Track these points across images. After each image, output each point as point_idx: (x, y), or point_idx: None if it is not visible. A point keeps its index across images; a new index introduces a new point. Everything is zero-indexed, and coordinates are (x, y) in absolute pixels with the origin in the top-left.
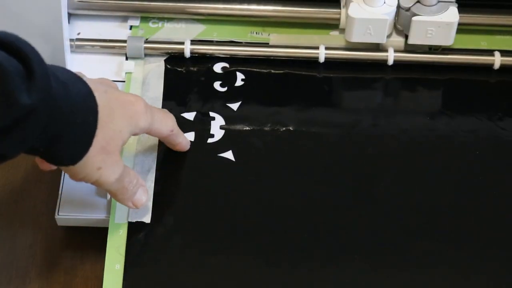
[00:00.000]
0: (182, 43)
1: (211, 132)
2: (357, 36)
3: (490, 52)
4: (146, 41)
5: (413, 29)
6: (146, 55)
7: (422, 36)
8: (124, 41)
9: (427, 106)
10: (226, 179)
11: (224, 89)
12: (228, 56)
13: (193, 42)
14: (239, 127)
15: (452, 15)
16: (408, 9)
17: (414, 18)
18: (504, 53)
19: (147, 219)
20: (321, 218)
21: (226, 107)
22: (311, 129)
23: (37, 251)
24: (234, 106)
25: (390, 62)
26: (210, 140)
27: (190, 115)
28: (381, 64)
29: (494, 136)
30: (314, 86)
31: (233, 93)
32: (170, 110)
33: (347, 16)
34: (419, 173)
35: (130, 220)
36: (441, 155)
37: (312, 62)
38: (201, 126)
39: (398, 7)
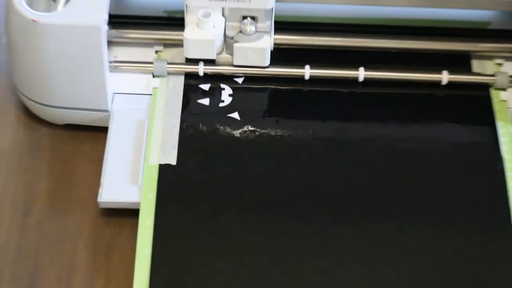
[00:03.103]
0: (197, 64)
1: (222, 98)
2: (192, 53)
3: (438, 71)
4: (169, 63)
5: (236, 53)
6: (168, 73)
7: (243, 58)
8: (151, 63)
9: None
10: (233, 133)
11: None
12: (241, 75)
13: (206, 63)
14: (243, 95)
15: (265, 42)
16: (232, 38)
17: (235, 45)
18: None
19: (173, 161)
20: (319, 176)
21: (233, 81)
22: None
23: (84, 228)
24: (239, 80)
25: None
26: (221, 105)
27: (205, 86)
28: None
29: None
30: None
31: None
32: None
33: (184, 37)
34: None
35: (160, 163)
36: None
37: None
38: (214, 95)
39: (225, 36)
